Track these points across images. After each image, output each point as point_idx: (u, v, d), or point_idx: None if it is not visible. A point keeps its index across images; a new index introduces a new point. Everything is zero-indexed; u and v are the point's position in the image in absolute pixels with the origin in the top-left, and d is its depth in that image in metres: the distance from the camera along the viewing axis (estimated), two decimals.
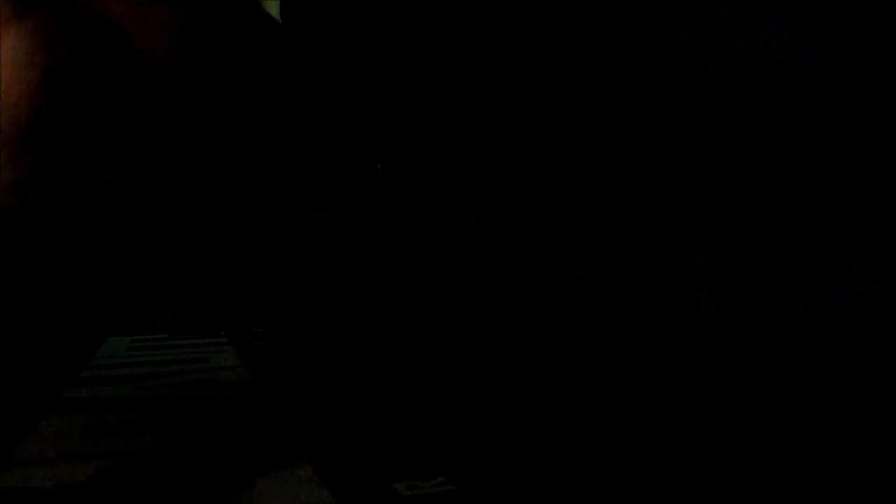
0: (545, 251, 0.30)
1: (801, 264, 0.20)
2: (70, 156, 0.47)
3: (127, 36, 0.43)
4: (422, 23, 0.28)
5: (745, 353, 0.21)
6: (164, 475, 0.18)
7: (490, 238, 0.32)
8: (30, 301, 0.41)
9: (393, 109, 0.34)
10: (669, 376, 0.24)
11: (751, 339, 0.21)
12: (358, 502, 0.17)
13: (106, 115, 0.47)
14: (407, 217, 0.31)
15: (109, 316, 0.41)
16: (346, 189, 0.32)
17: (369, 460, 0.19)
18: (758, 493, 0.18)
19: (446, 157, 0.34)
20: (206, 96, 0.48)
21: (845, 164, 0.19)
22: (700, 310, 0.21)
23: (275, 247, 0.48)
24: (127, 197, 0.47)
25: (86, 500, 0.17)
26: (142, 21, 0.42)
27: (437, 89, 0.30)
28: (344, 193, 0.32)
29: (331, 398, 0.26)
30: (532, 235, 0.31)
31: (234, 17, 0.47)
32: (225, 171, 0.49)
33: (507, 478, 0.18)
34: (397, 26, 0.30)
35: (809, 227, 0.20)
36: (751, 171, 0.21)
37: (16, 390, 0.26)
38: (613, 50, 0.23)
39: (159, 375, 0.29)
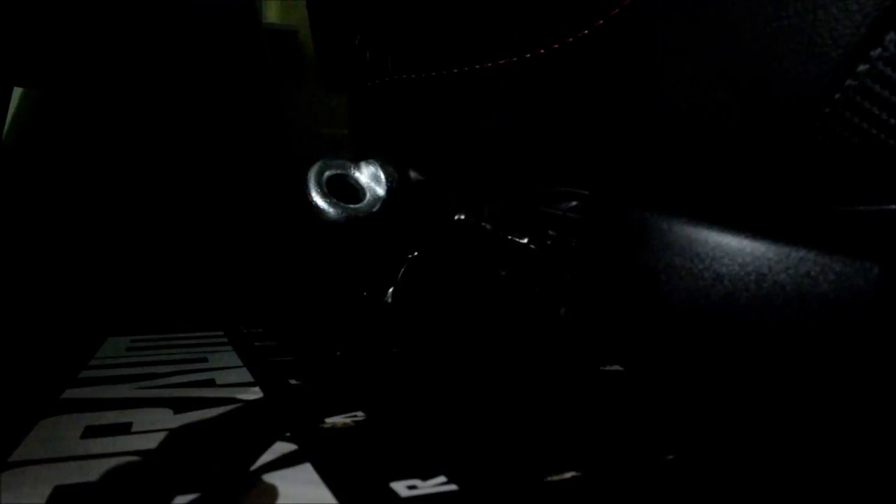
0: (543, 251, 0.30)
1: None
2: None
3: None
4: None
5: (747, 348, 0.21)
6: (165, 475, 0.18)
7: (487, 238, 0.32)
8: (30, 301, 0.41)
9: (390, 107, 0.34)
10: (669, 375, 0.24)
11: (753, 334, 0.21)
12: (358, 502, 0.17)
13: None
14: (403, 216, 0.31)
15: (109, 316, 0.41)
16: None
17: (369, 460, 0.19)
18: (758, 493, 0.18)
19: (443, 155, 0.34)
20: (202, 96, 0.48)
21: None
22: (703, 307, 0.21)
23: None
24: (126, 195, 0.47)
25: (86, 500, 0.17)
26: None
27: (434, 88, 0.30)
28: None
29: (331, 398, 0.26)
30: (530, 235, 0.31)
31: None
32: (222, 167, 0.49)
33: (507, 477, 0.18)
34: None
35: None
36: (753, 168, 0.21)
37: (16, 390, 0.26)
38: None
39: (159, 375, 0.29)
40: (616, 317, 0.24)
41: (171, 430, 0.21)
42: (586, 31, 0.23)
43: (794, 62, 0.18)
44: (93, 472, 0.18)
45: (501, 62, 0.26)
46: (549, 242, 0.29)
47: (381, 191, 0.30)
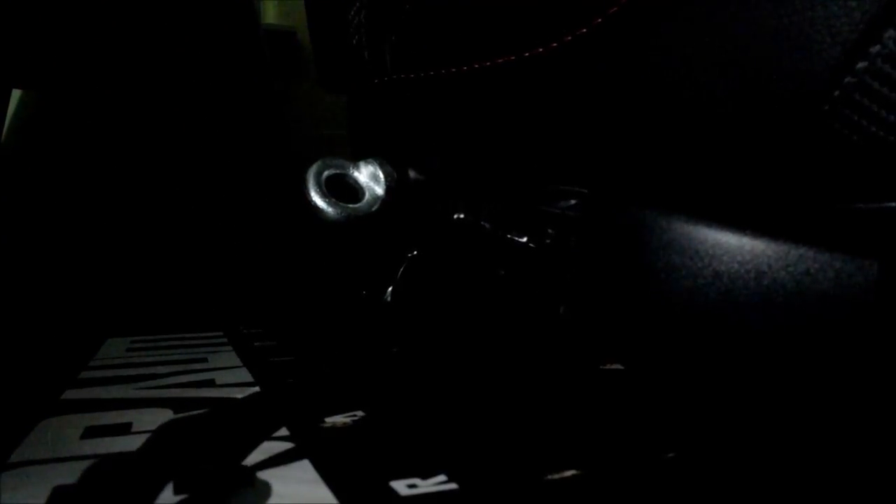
0: (542, 250, 0.30)
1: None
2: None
3: None
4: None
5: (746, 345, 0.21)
6: (164, 476, 0.18)
7: (486, 237, 0.32)
8: (29, 301, 0.41)
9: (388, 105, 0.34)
10: (669, 373, 0.24)
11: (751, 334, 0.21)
12: (358, 501, 0.17)
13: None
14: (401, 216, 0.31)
15: (109, 316, 0.41)
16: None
17: (369, 459, 0.19)
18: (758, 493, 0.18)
19: (441, 154, 0.33)
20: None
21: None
22: (702, 305, 0.21)
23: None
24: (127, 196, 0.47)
25: (86, 500, 0.17)
26: None
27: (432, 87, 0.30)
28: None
29: (330, 397, 0.26)
30: (529, 234, 0.31)
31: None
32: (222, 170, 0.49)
33: (507, 476, 0.18)
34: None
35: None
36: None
37: (16, 390, 0.26)
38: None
39: (159, 376, 0.29)
40: (615, 315, 0.24)
41: (167, 430, 0.21)
42: (585, 30, 0.23)
43: (793, 59, 0.18)
44: (93, 472, 0.18)
45: (500, 61, 0.26)
46: (548, 241, 0.29)
47: (380, 190, 0.30)
